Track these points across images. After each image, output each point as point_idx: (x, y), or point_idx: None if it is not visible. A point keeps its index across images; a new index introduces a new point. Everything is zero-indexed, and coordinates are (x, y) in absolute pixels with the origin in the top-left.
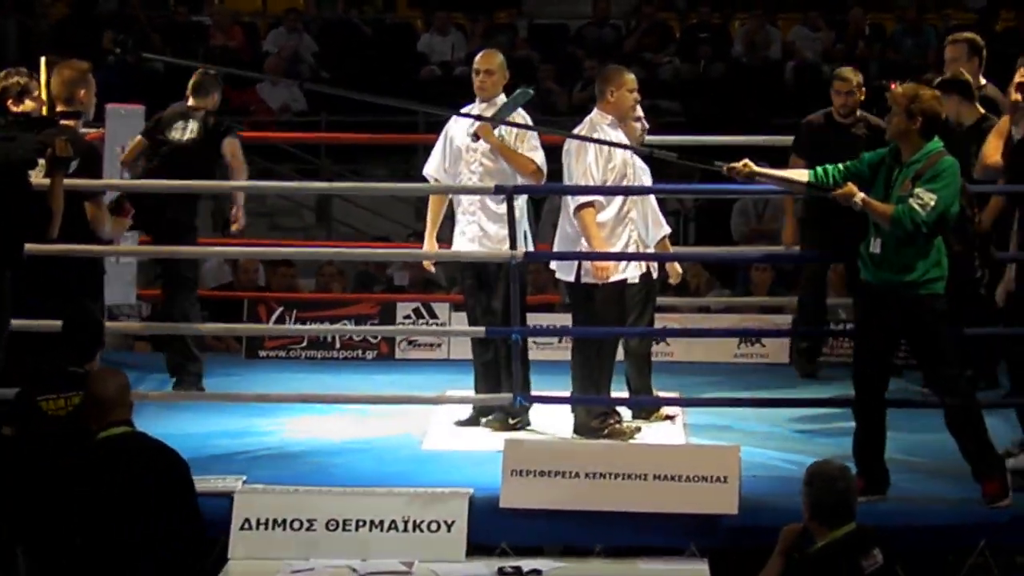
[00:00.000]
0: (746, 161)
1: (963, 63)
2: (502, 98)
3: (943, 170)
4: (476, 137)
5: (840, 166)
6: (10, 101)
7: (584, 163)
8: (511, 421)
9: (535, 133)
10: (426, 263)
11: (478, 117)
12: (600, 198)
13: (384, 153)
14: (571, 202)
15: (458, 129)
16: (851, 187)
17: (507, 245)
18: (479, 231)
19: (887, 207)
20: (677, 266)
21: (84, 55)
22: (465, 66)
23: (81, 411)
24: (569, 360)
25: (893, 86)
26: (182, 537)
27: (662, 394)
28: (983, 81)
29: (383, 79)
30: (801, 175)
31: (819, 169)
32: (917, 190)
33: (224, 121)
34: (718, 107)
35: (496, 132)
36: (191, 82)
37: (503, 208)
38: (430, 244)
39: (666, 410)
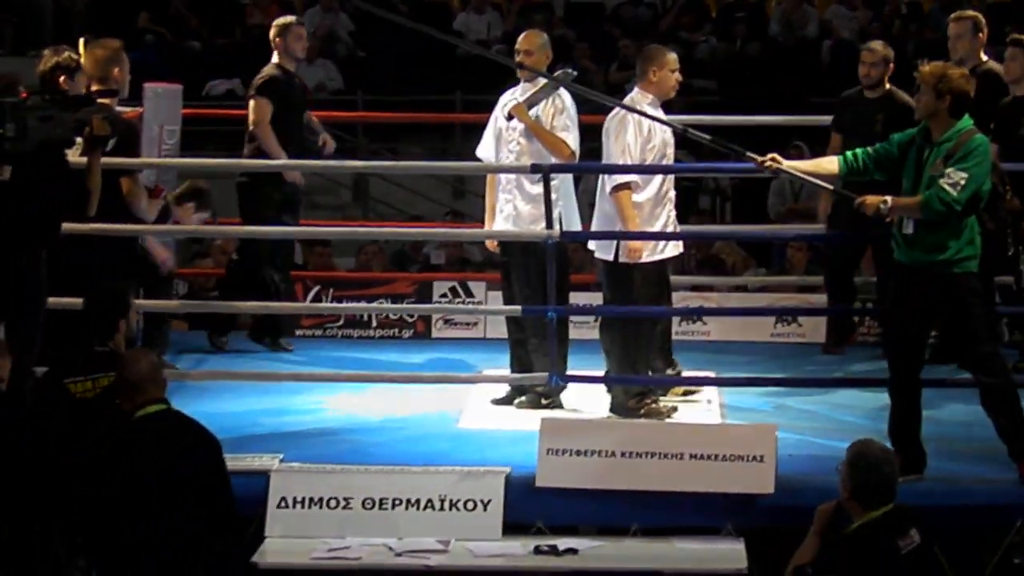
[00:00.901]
0: (774, 155)
1: (967, 40)
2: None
3: (974, 148)
4: (510, 117)
5: (869, 150)
6: (63, 78)
7: (623, 142)
8: (544, 402)
9: (571, 114)
10: (489, 243)
11: (515, 62)
12: (637, 178)
13: (421, 132)
14: (608, 182)
15: (501, 110)
16: (874, 198)
17: (540, 226)
18: (513, 211)
19: (915, 199)
20: None
21: (120, 35)
22: (501, 44)
23: (114, 392)
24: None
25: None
26: (216, 513)
27: (697, 373)
28: (984, 58)
29: (419, 58)
30: (831, 165)
31: (848, 155)
32: (948, 170)
33: (255, 84)
34: (755, 86)
35: (532, 113)
36: None
37: (538, 188)
38: (490, 224)
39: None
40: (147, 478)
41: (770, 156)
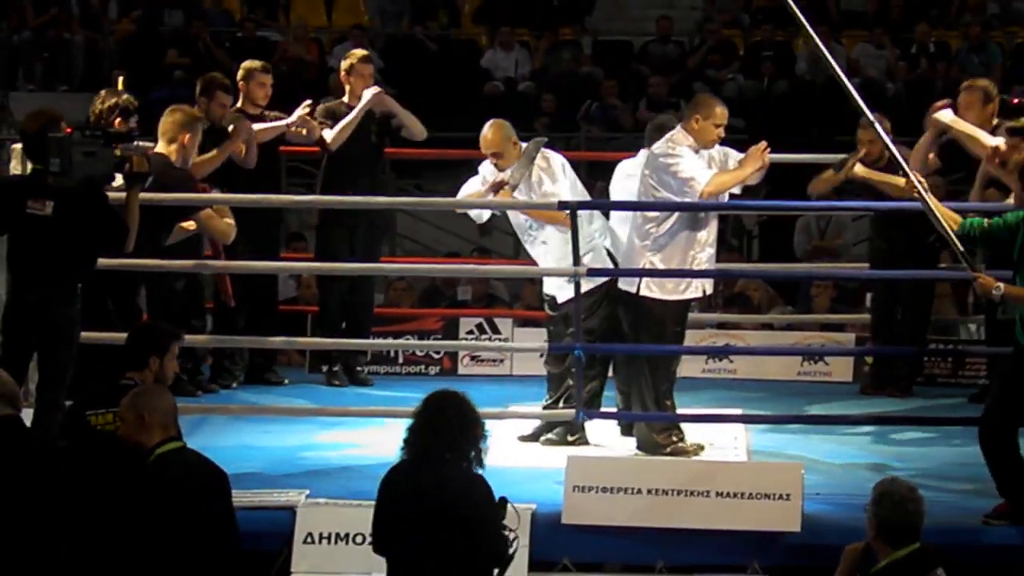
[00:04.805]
0: (922, 180)
1: (976, 111)
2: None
3: None
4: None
5: (985, 223)
6: (119, 120)
7: (690, 168)
8: (570, 438)
9: (556, 171)
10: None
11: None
12: (706, 176)
13: (448, 168)
14: (693, 193)
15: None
16: (989, 280)
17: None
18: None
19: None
20: None
21: (149, 71)
22: (529, 82)
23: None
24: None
25: (1015, 100)
26: (223, 551)
27: (724, 411)
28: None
29: (447, 95)
30: (954, 220)
31: (966, 222)
32: None
33: None
34: (782, 124)
35: (522, 188)
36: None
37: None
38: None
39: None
40: (164, 517)
41: (919, 179)
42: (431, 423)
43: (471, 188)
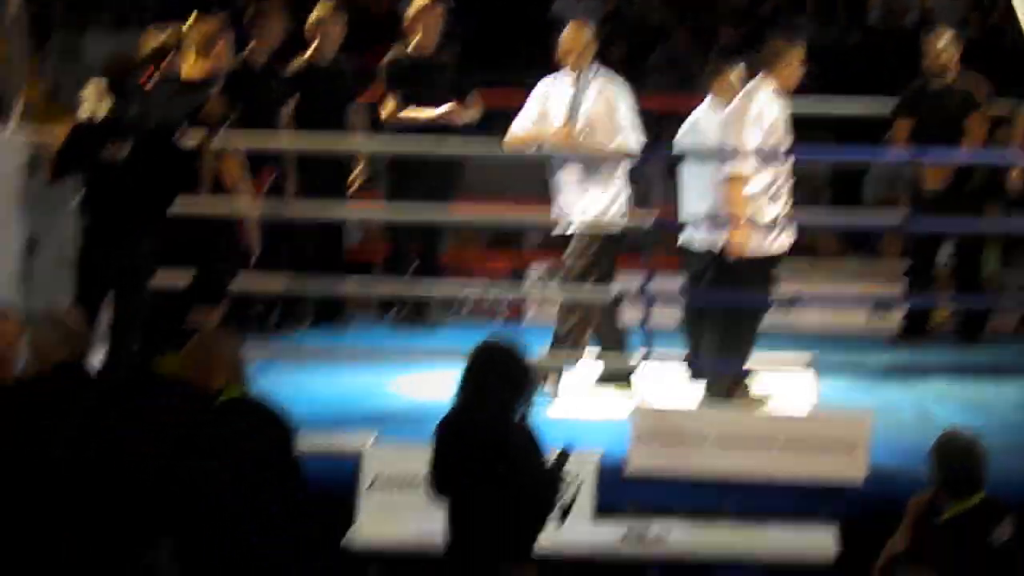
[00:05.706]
0: None
1: None
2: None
3: None
4: None
5: None
6: (169, 56)
7: (743, 129)
8: (632, 382)
9: (624, 109)
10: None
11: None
12: (751, 169)
13: (515, 116)
14: (719, 172)
15: (556, 90)
16: None
17: (610, 214)
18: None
19: None
20: None
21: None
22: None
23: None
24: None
25: None
26: (289, 495)
27: (791, 361)
28: None
29: (517, 42)
30: None
31: None
32: None
33: None
34: (853, 73)
35: (582, 112)
36: None
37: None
38: None
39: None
40: (229, 462)
41: None
42: (480, 372)
43: (525, 122)
